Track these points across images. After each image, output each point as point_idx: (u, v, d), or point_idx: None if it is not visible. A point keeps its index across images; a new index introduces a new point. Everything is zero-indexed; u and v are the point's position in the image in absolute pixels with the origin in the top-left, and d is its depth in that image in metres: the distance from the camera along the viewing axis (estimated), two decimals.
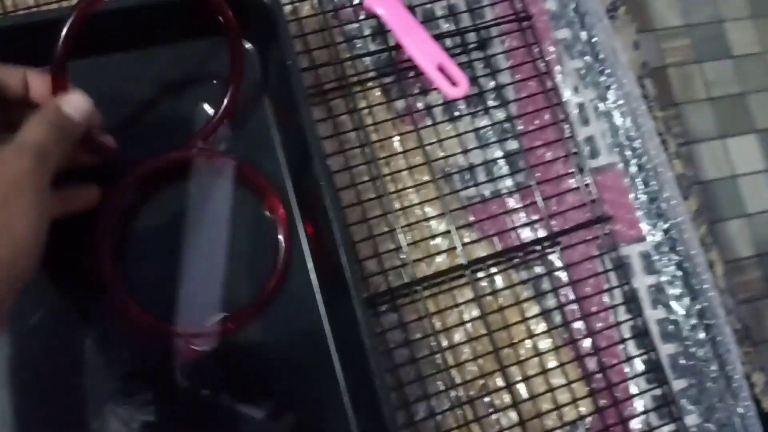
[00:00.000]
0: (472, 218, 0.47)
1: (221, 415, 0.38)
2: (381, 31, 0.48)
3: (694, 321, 0.48)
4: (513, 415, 0.45)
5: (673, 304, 0.48)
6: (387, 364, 0.43)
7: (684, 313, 0.48)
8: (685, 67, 1.32)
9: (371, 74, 0.48)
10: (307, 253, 0.43)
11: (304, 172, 0.41)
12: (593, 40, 0.51)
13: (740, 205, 1.29)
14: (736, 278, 1.24)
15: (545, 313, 0.46)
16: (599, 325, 0.47)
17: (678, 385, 0.47)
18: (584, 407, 0.45)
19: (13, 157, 0.30)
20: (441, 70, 0.46)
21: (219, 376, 0.39)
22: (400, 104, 0.48)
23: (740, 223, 1.29)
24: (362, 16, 0.48)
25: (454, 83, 0.45)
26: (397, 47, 0.48)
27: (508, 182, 0.48)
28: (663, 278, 0.48)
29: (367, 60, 0.48)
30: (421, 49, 0.46)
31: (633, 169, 0.50)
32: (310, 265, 0.43)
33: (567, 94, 0.50)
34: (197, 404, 0.38)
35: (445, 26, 0.50)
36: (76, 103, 0.34)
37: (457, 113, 0.48)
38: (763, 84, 1.36)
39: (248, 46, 0.44)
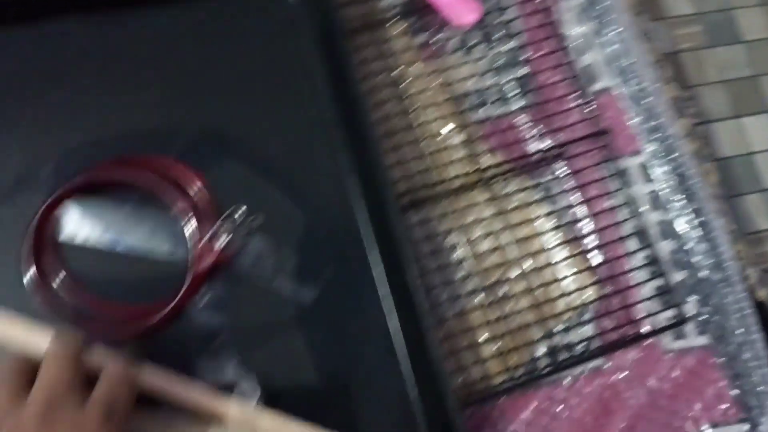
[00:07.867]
0: (486, 132, 0.53)
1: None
2: None
3: (688, 219, 0.53)
4: (525, 302, 0.50)
5: (670, 206, 0.53)
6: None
7: (678, 213, 0.53)
8: (698, 52, 1.37)
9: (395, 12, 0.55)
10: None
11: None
12: None
13: (757, 181, 1.33)
14: (755, 249, 1.27)
15: (555, 213, 0.52)
16: (603, 223, 0.52)
17: (677, 277, 0.52)
18: (590, 295, 0.51)
19: (87, 421, 0.35)
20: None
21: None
22: (420, 39, 0.55)
23: (758, 198, 1.32)
24: None
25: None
26: None
27: (518, 103, 0.54)
28: (660, 185, 0.54)
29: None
30: None
31: (627, 91, 0.56)
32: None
33: (569, 27, 0.57)
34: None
35: None
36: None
37: (470, 44, 0.55)
38: None
39: None
